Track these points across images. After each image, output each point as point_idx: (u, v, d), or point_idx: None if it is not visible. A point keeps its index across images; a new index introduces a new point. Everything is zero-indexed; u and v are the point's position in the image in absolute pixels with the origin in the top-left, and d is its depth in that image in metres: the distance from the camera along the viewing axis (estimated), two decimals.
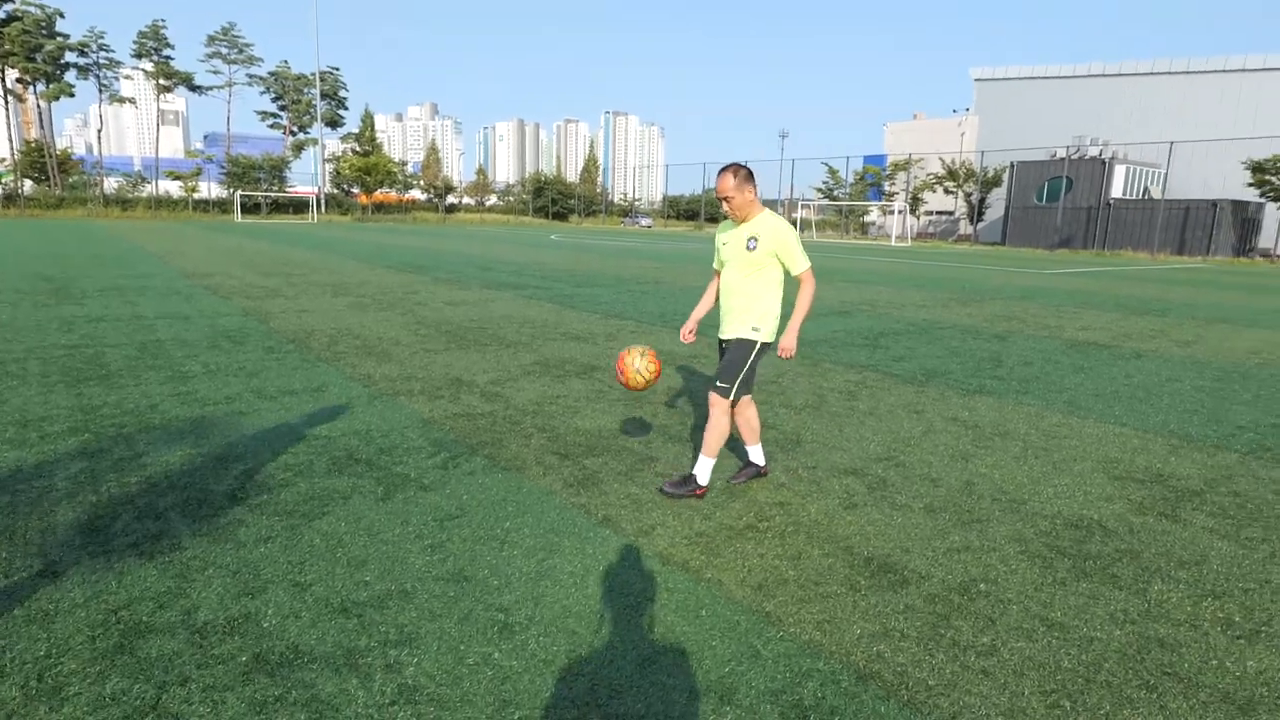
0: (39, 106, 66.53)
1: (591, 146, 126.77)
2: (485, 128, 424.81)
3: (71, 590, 2.92)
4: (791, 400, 6.32)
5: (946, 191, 58.14)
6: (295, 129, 77.13)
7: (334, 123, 79.21)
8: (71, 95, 65.03)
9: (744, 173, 3.94)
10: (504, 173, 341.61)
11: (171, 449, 4.62)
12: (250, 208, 65.94)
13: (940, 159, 57.04)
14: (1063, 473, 4.67)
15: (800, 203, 66.42)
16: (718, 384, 4.05)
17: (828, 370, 7.62)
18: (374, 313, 10.75)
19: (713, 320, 4.40)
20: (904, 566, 3.36)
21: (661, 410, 5.91)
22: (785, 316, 4.15)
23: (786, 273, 4.07)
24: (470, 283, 15.44)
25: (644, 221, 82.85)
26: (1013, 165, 51.55)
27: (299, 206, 68.75)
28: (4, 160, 63.64)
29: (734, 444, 4.92)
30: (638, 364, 4.17)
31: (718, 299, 4.31)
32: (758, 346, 4.04)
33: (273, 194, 68.12)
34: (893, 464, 4.77)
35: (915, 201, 60.55)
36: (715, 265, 4.31)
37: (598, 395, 6.32)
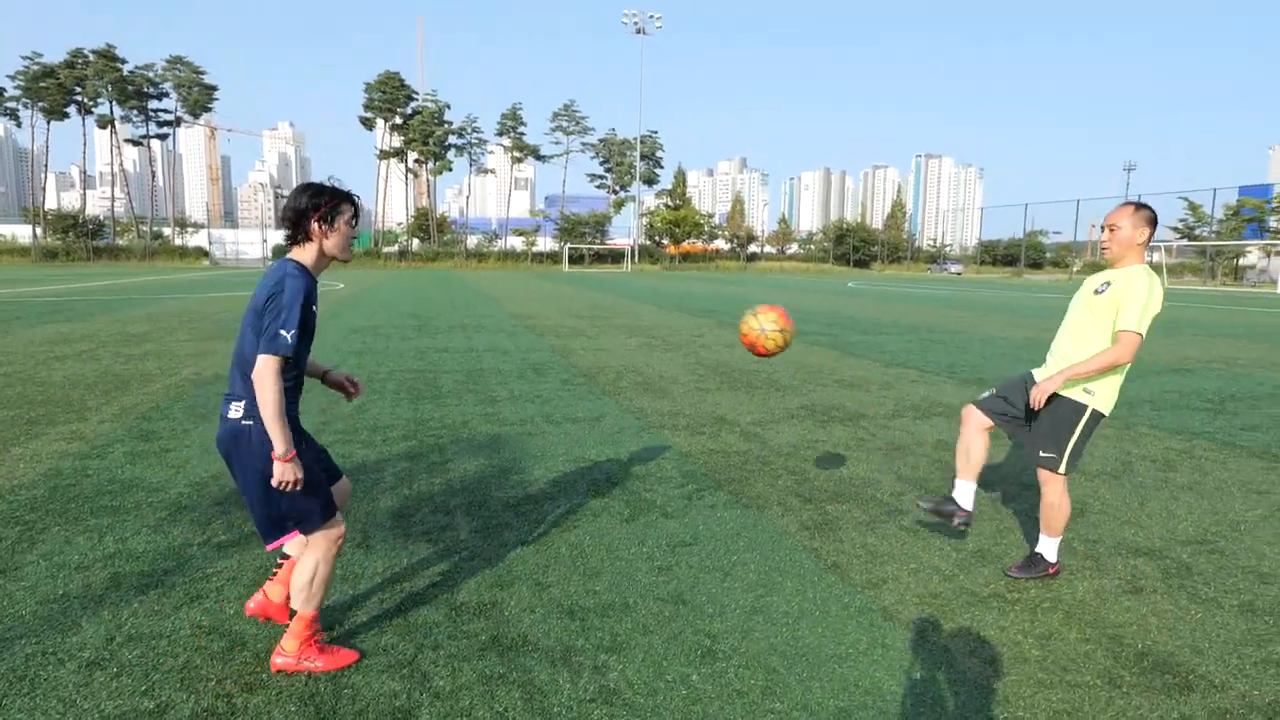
0: (428, 180, 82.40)
1: (899, 191, 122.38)
2: (791, 178, 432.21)
3: (376, 560, 3.62)
4: (1085, 465, 5.52)
5: None
6: (617, 188, 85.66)
7: (650, 180, 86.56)
8: (450, 170, 79.61)
9: (1148, 214, 3.42)
10: (807, 221, 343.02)
11: (471, 459, 5.46)
12: (575, 259, 74.39)
13: None
14: None
15: (1149, 244, 57.13)
16: (1041, 454, 3.49)
17: (1143, 435, 6.51)
18: (660, 353, 11.53)
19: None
20: (1191, 670, 2.79)
21: (924, 463, 5.55)
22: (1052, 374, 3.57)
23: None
24: None
25: (953, 268, 77.60)
26: None
27: (616, 257, 75.96)
28: (400, 223, 79.90)
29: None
30: (765, 327, 4.04)
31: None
32: (1088, 413, 3.42)
33: (594, 246, 76.19)
34: (1206, 549, 3.95)
35: None
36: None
37: (858, 443, 6.12)
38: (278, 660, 2.64)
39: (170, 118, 75.20)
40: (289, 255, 2.61)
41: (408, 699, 2.51)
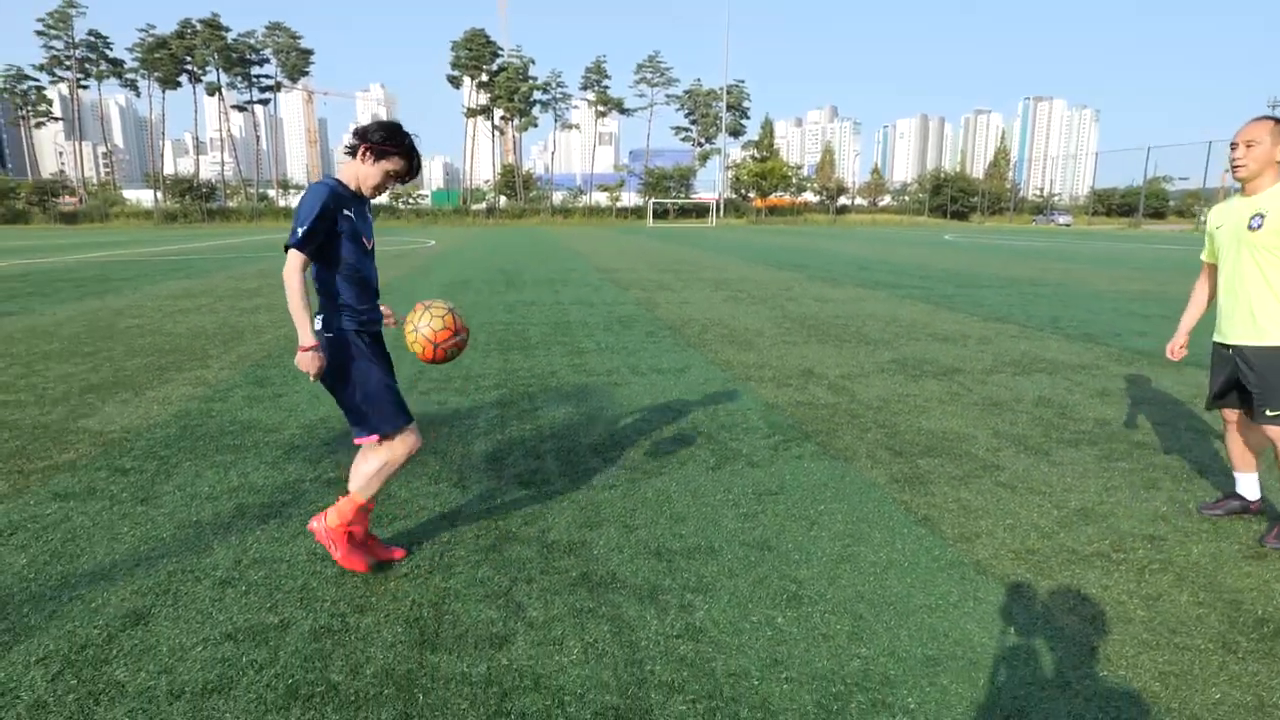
0: (514, 137, 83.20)
1: (1003, 137, 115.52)
2: (885, 126, 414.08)
3: (471, 499, 3.79)
4: (1211, 424, 5.18)
5: None
6: (702, 140, 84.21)
7: (736, 132, 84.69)
8: (536, 126, 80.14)
9: None
10: (902, 171, 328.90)
11: (559, 407, 5.59)
12: (660, 213, 73.94)
13: None
14: None
15: None
16: (1268, 413, 3.27)
17: None
18: (746, 306, 11.41)
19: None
20: None
21: (1024, 419, 5.32)
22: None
23: None
24: (845, 281, 15.39)
25: (1061, 219, 72.83)
26: None
27: (701, 211, 75.09)
28: (488, 181, 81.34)
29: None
30: (420, 325, 2.94)
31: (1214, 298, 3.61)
32: None
33: (679, 201, 75.47)
34: None
35: None
36: (1205, 257, 3.64)
37: (952, 398, 5.93)
38: (314, 524, 2.99)
39: (271, 83, 78.32)
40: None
41: (504, 626, 2.65)
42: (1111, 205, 76.42)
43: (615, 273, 17.27)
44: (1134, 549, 3.31)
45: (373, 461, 2.94)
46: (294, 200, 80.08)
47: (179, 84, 74.30)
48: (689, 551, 3.24)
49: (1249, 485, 3.64)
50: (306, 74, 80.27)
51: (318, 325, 2.82)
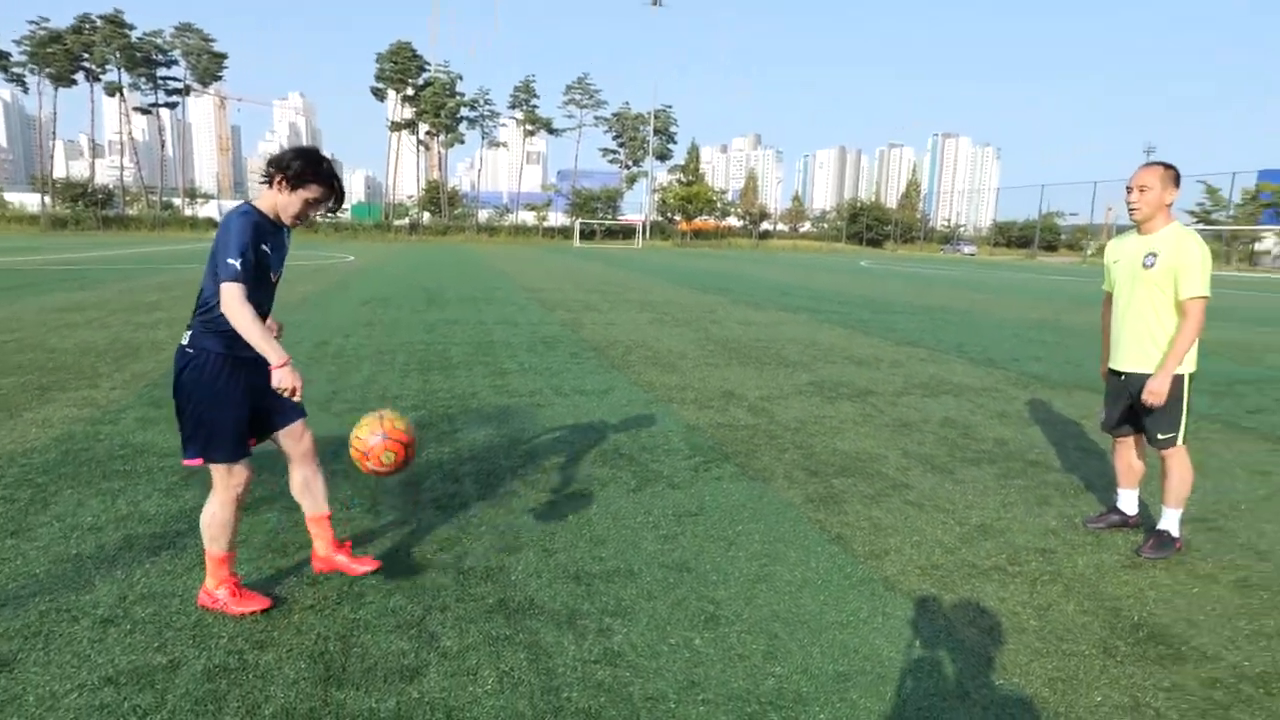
0: (440, 153, 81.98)
1: (914, 170, 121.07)
2: (806, 155, 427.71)
3: (386, 525, 3.68)
4: (1096, 443, 5.53)
5: None
6: (630, 163, 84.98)
7: (663, 156, 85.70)
8: (462, 142, 79.21)
9: (1175, 173, 3.51)
10: (821, 199, 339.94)
11: (480, 429, 5.51)
12: (587, 234, 74.05)
13: None
14: None
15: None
16: (1160, 437, 3.59)
17: None
18: (670, 328, 11.53)
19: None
20: (1184, 641, 2.82)
21: (930, 439, 5.56)
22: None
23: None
24: (767, 305, 15.75)
25: (966, 249, 77.01)
26: None
27: (627, 233, 75.59)
28: (411, 197, 79.88)
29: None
30: (367, 440, 2.88)
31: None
32: (1186, 380, 3.55)
33: (606, 222, 75.84)
34: (1207, 527, 3.97)
35: None
36: (1106, 287, 3.87)
37: (865, 419, 6.14)
38: (203, 598, 2.85)
39: (179, 86, 74.84)
40: (254, 198, 2.79)
41: (415, 658, 2.57)
42: (1011, 237, 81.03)
43: (541, 292, 17.19)
44: (1027, 562, 3.50)
45: (207, 510, 2.82)
46: (201, 210, 76.54)
47: (74, 82, 70.00)
48: (608, 575, 3.24)
49: (1129, 501, 3.91)
50: (219, 78, 77.05)
51: (184, 339, 2.73)
